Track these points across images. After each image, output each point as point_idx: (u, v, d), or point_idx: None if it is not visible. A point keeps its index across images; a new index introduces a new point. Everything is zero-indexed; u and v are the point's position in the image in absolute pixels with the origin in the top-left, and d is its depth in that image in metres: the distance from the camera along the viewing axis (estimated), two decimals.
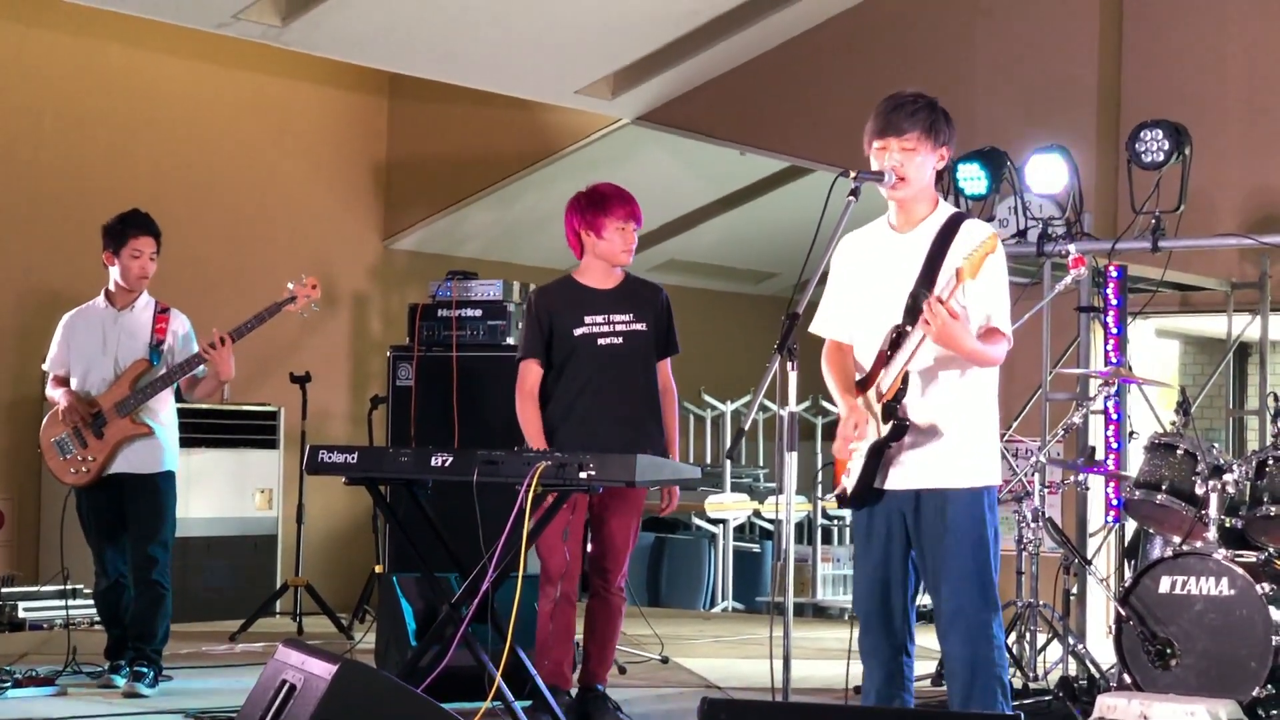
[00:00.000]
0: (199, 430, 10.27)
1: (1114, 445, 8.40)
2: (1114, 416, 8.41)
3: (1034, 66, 10.51)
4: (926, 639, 5.65)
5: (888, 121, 5.16)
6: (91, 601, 8.29)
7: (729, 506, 12.19)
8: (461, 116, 12.23)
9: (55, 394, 7.63)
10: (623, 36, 10.85)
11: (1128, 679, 6.83)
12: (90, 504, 7.57)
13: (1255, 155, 9.97)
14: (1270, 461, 7.02)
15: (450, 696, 6.19)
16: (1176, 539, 7.24)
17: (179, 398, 7.67)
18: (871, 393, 5.16)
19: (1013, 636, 7.61)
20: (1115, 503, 8.37)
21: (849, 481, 5.20)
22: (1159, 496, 7.20)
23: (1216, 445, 7.50)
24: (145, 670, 7.41)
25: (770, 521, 12.54)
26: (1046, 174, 8.70)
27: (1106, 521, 8.64)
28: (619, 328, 6.83)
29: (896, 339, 5.11)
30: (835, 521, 12.73)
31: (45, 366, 7.77)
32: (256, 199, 11.78)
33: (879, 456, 5.14)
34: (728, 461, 12.41)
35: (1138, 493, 7.29)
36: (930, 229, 5.19)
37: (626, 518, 6.81)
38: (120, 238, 7.59)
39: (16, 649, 8.49)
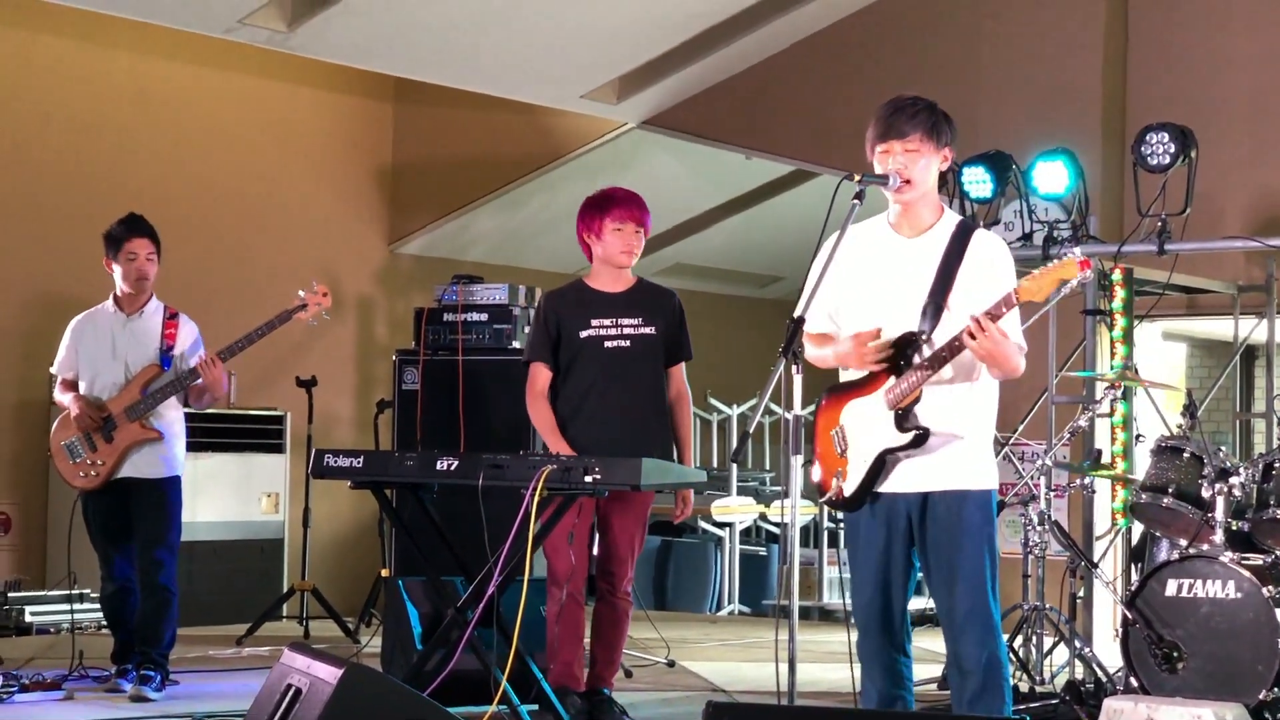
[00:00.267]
0: (205, 434, 10.28)
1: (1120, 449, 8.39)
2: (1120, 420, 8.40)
3: (1039, 70, 10.51)
4: (922, 641, 5.65)
5: (890, 125, 5.17)
6: (98, 606, 8.29)
7: (735, 510, 12.18)
8: (467, 121, 12.24)
9: (64, 398, 7.64)
10: (628, 41, 10.85)
11: (1134, 682, 6.82)
12: (97, 508, 7.58)
13: (1261, 157, 9.97)
14: (1277, 464, 7.01)
15: (456, 700, 6.19)
16: (1183, 542, 7.22)
17: (185, 403, 7.68)
18: (877, 395, 5.17)
19: (1019, 640, 7.61)
20: (1122, 506, 8.37)
21: (846, 485, 5.21)
22: (1165, 499, 7.19)
23: (1223, 448, 7.49)
24: (152, 674, 7.42)
25: (776, 525, 12.53)
26: (1052, 177, 8.69)
27: (1112, 525, 8.63)
28: (627, 331, 6.84)
29: (909, 345, 5.11)
30: (841, 525, 12.72)
31: (53, 370, 7.78)
32: (262, 204, 11.79)
33: (884, 462, 5.15)
34: (733, 465, 12.42)
35: (1144, 496, 7.29)
36: (940, 236, 5.20)
37: (630, 521, 6.81)
38: (117, 242, 7.62)
39: (23, 653, 8.49)
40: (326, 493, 10.18)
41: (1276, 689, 6.57)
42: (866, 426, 5.18)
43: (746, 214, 13.33)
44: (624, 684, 7.59)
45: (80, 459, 7.51)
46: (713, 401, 13.17)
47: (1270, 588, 6.64)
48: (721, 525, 12.14)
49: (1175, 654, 6.72)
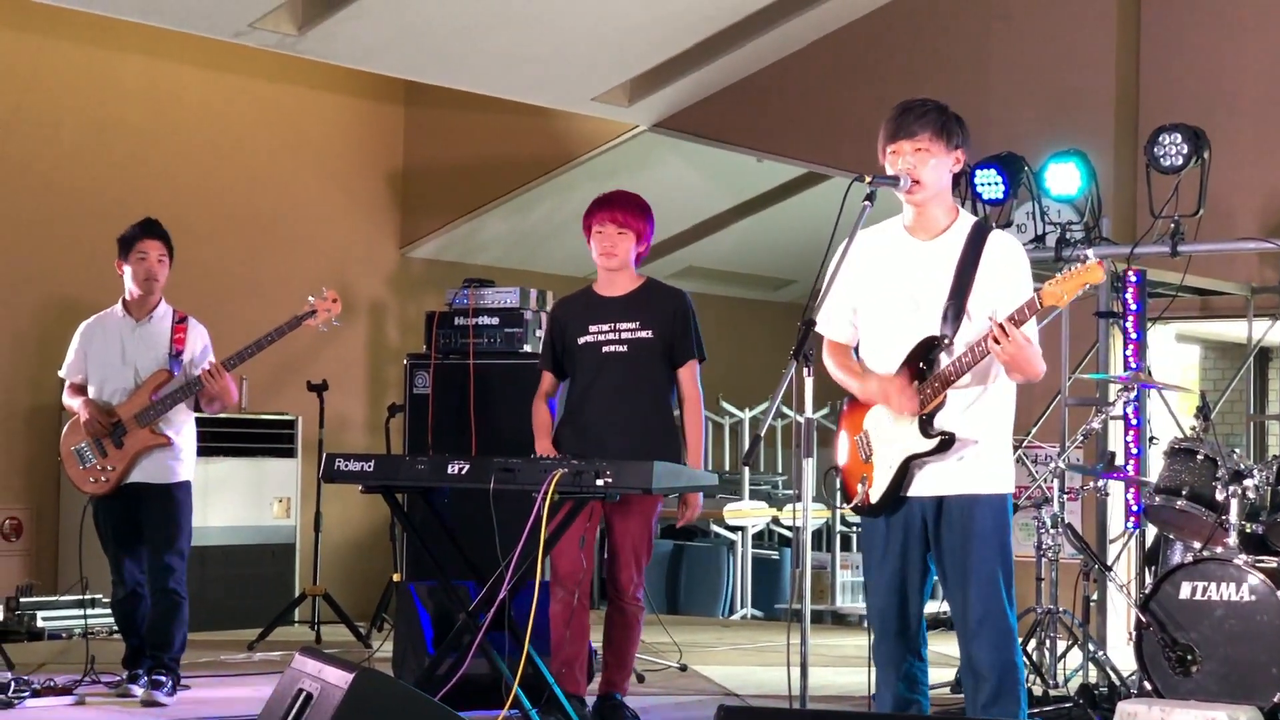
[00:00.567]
0: (217, 439, 10.27)
1: (1134, 451, 8.36)
2: (1134, 422, 8.37)
3: (1051, 71, 10.49)
4: (937, 645, 5.64)
5: (898, 125, 5.18)
6: (109, 611, 8.28)
7: (747, 514, 12.17)
8: (478, 124, 12.23)
9: (74, 402, 7.63)
10: (639, 43, 10.84)
11: (1148, 685, 6.80)
12: (107, 513, 7.58)
13: (1274, 158, 9.94)
14: None
15: (467, 704, 6.20)
16: (1197, 544, 7.20)
17: (195, 408, 7.67)
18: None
19: (1033, 643, 7.59)
20: (1135, 509, 8.34)
21: (873, 491, 5.20)
22: (1179, 502, 7.17)
23: (1237, 450, 7.47)
24: (163, 679, 7.41)
25: (789, 528, 12.52)
26: (1064, 178, 8.68)
27: (1126, 528, 8.60)
28: (625, 335, 6.82)
29: (930, 349, 5.10)
30: (854, 528, 12.69)
31: (62, 373, 7.78)
32: (273, 208, 11.79)
33: (909, 467, 5.13)
34: (745, 468, 12.40)
35: (1158, 498, 7.26)
36: (956, 238, 5.19)
37: (632, 525, 6.76)
38: (128, 243, 7.62)
39: (35, 658, 8.50)
40: (338, 497, 10.18)
41: None
42: (891, 432, 5.17)
43: (758, 217, 13.31)
44: (636, 688, 7.57)
45: (90, 464, 7.51)
46: (724, 405, 13.15)
47: None
48: (734, 529, 12.13)
49: (1189, 657, 6.70)
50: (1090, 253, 5.10)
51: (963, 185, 8.54)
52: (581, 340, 6.84)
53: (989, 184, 8.64)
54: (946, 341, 5.09)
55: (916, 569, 5.20)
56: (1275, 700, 6.52)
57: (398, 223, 12.57)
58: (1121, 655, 7.77)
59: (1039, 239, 8.67)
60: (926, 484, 5.15)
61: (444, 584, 6.89)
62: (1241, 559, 6.71)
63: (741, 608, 12.07)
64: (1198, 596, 6.73)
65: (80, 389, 7.66)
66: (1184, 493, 7.16)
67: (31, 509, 10.47)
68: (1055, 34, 10.54)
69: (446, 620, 6.95)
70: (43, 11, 9.96)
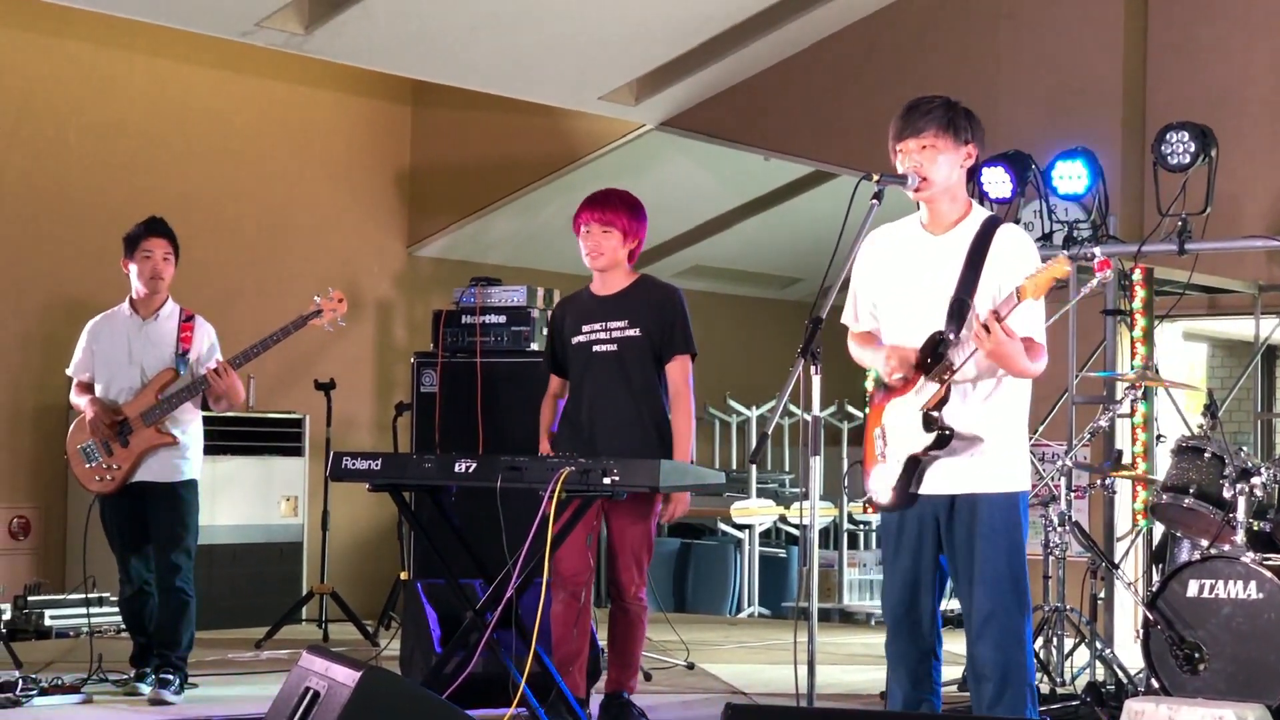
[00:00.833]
0: (224, 437, 10.29)
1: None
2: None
3: (1058, 69, 10.48)
4: (952, 643, 5.63)
5: (905, 124, 5.19)
6: (117, 609, 8.30)
7: (754, 512, 12.17)
8: (485, 123, 12.23)
9: (80, 401, 7.64)
10: (646, 42, 10.84)
11: (1155, 683, 6.80)
12: (114, 512, 7.58)
13: None
14: None
15: (475, 703, 6.19)
16: (1204, 542, 7.20)
17: (204, 406, 7.68)
18: (909, 396, 5.15)
19: (1040, 641, 7.58)
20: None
21: (883, 489, 5.19)
22: (1186, 500, 7.17)
23: (1244, 448, 7.46)
24: (170, 677, 7.42)
25: (796, 526, 12.50)
26: (1071, 177, 8.67)
27: (1133, 526, 8.60)
28: (614, 334, 6.81)
29: (937, 345, 5.09)
30: (861, 526, 12.70)
31: (69, 371, 7.78)
32: (280, 207, 11.80)
33: (916, 466, 5.13)
34: (753, 466, 12.40)
35: (1165, 496, 7.26)
36: (966, 232, 5.19)
37: (626, 523, 6.72)
38: (134, 241, 7.63)
39: (43, 657, 8.50)
40: (345, 495, 10.18)
41: None
42: (903, 428, 5.17)
43: (765, 215, 13.31)
44: (643, 686, 7.57)
45: (96, 462, 7.51)
46: (732, 403, 13.15)
47: None
48: (741, 527, 12.12)
49: (1197, 655, 6.69)
50: (1097, 250, 5.07)
51: (970, 183, 8.54)
52: (575, 340, 6.85)
53: (996, 182, 8.63)
54: (951, 336, 5.09)
55: (929, 567, 5.19)
56: None
57: (405, 222, 12.58)
58: (1129, 653, 7.76)
59: (1046, 237, 8.66)
60: (939, 482, 5.14)
61: (451, 582, 6.88)
62: (1249, 557, 6.70)
63: (749, 606, 12.07)
64: (1205, 594, 6.72)
65: (87, 387, 7.66)
66: (1191, 490, 7.16)
67: (39, 508, 10.48)
68: (1062, 32, 10.53)
69: (454, 619, 6.95)
70: (49, 12, 9.97)
